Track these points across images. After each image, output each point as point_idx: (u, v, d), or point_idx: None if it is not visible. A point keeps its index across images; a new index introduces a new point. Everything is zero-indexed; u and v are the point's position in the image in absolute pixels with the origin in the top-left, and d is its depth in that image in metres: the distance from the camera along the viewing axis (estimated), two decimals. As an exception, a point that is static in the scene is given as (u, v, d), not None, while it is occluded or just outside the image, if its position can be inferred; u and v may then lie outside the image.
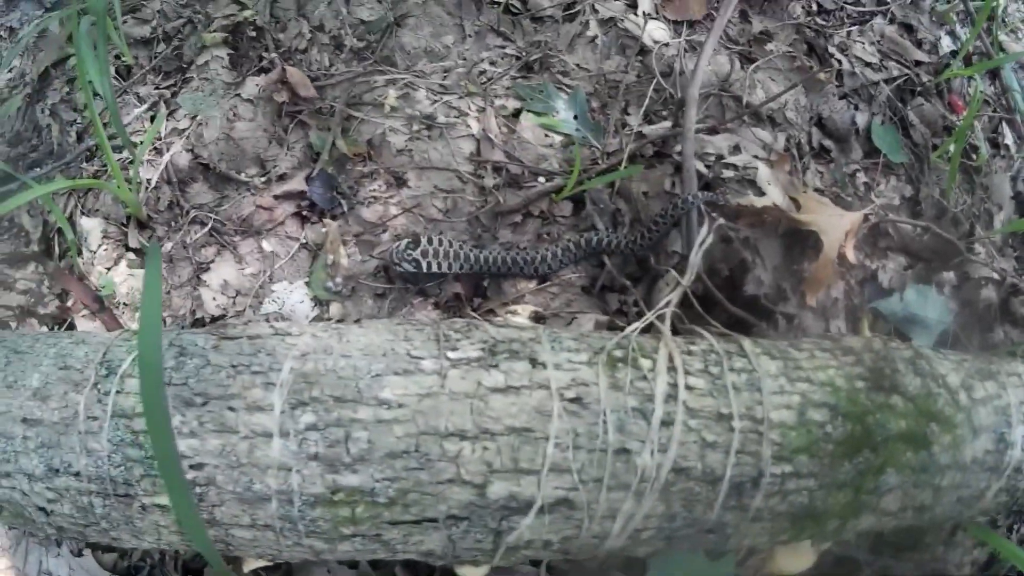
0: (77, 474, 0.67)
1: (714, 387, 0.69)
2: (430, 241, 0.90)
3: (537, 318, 0.91)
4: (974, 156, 1.19)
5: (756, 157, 1.08)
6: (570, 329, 0.89)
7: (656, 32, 1.13)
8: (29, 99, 1.16)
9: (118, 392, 0.68)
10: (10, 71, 1.20)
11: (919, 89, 1.17)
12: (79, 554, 0.96)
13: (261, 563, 0.73)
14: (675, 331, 0.79)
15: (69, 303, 0.98)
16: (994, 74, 1.28)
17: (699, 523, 0.69)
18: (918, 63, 1.20)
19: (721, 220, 0.97)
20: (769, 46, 1.15)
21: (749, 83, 1.10)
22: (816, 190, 1.10)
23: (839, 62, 1.15)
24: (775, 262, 1.03)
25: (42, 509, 0.71)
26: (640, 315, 0.88)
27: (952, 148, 1.12)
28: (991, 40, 1.26)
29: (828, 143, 1.12)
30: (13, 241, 1.05)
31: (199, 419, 0.65)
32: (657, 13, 1.14)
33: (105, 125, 0.99)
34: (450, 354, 0.68)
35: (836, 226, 1.05)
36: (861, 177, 1.12)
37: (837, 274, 1.06)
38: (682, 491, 0.66)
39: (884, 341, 0.83)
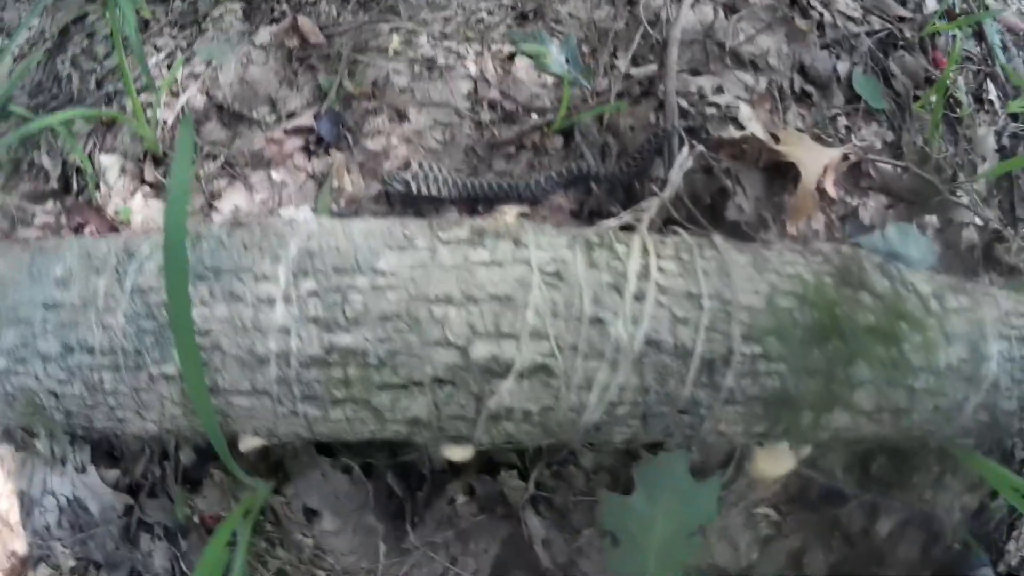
0: (91, 349, 0.73)
1: (685, 270, 0.74)
2: (420, 166, 0.97)
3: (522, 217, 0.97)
4: (957, 109, 1.24)
5: (738, 97, 1.14)
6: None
7: (644, -16, 1.20)
8: (49, 53, 1.25)
9: (137, 272, 0.74)
10: (29, 30, 1.30)
11: (901, 43, 1.23)
12: (83, 470, 1.01)
13: (257, 442, 0.78)
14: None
15: (87, 231, 1.05)
16: (980, 34, 1.34)
17: (672, 399, 0.73)
18: (901, 19, 1.27)
19: (702, 148, 1.03)
20: (752, -2, 1.22)
21: (732, 31, 1.17)
22: (797, 130, 1.16)
23: (821, 15, 1.22)
24: (756, 192, 1.09)
25: (52, 392, 0.76)
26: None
27: (934, 99, 1.17)
28: (977, 2, 1.32)
29: (810, 88, 1.18)
30: (32, 180, 1.13)
31: (210, 290, 0.71)
32: (646, -34, 1.22)
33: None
34: (441, 235, 0.74)
35: (815, 159, 1.10)
36: (842, 121, 1.18)
37: (817, 206, 1.11)
38: (655, 364, 0.71)
39: (853, 246, 0.87)
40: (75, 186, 1.12)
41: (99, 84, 1.19)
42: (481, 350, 0.69)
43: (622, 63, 1.13)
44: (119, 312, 0.73)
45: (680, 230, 0.81)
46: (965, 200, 1.18)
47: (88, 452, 1.02)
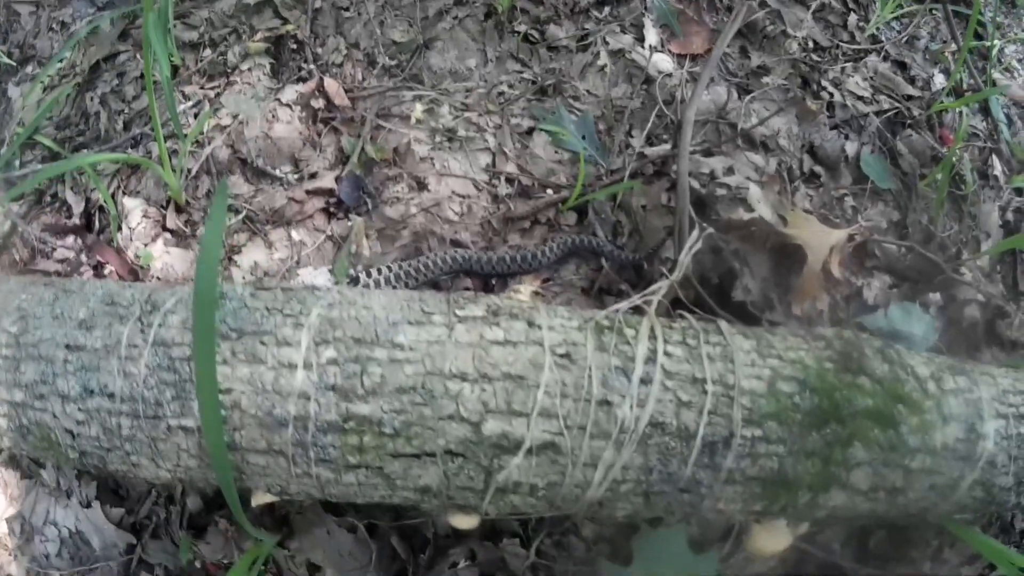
0: (111, 395, 0.79)
1: (690, 355, 0.82)
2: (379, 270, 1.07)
3: (536, 297, 1.05)
4: (962, 186, 1.34)
5: (748, 178, 1.23)
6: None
7: (661, 63, 1.31)
8: (79, 88, 1.34)
9: (160, 325, 0.81)
10: (61, 62, 1.39)
11: (909, 122, 1.34)
12: (87, 505, 1.07)
13: (269, 498, 0.84)
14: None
15: (105, 272, 1.13)
16: (987, 110, 1.45)
17: (674, 479, 0.80)
18: (909, 97, 1.37)
19: (711, 230, 1.12)
20: (765, 79, 1.33)
21: (745, 112, 1.27)
22: (805, 211, 1.25)
23: (831, 95, 1.32)
24: (763, 273, 1.17)
25: (69, 431, 0.82)
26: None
27: (940, 177, 1.27)
28: (984, 78, 1.43)
29: (818, 169, 1.28)
30: (55, 214, 1.22)
31: (232, 350, 0.78)
32: (663, 46, 1.33)
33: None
34: (458, 312, 0.82)
35: (821, 241, 1.19)
36: (849, 201, 1.27)
37: (823, 287, 1.19)
38: (658, 445, 0.78)
39: (855, 332, 0.95)
40: (97, 224, 1.20)
41: (127, 126, 1.28)
42: (493, 426, 0.76)
43: (637, 141, 1.23)
44: (141, 362, 0.80)
45: (687, 315, 0.88)
46: (968, 277, 1.27)
47: (94, 488, 1.07)
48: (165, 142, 1.17)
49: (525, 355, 0.78)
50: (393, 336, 0.79)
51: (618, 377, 0.78)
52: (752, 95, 1.30)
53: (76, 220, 1.17)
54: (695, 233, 1.08)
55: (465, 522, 0.86)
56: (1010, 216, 1.34)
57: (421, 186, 1.16)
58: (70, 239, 1.15)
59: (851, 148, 1.30)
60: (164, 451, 0.81)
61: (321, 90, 1.21)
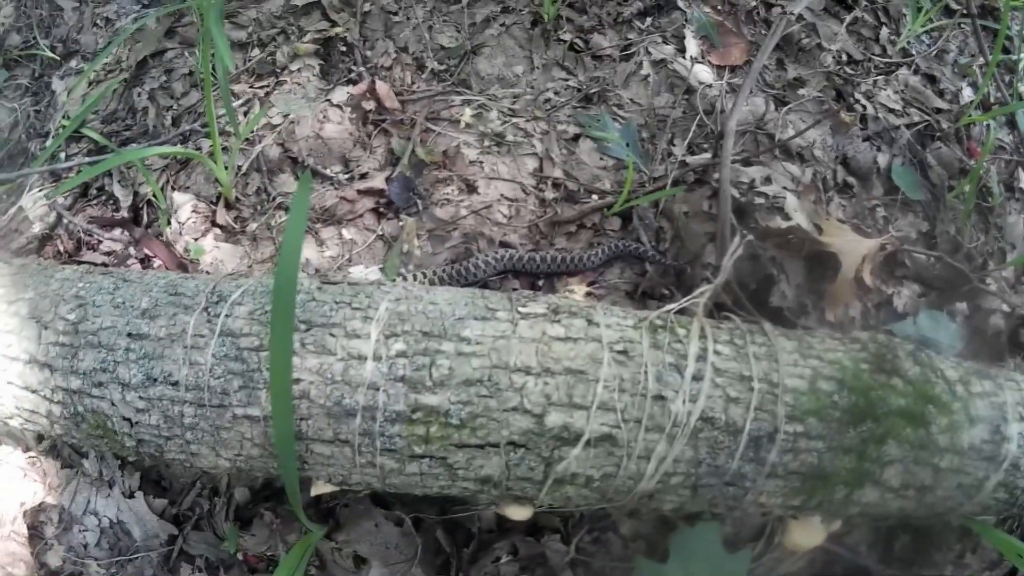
0: (176, 383, 0.83)
1: (738, 354, 0.87)
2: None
3: (591, 296, 1.10)
4: (989, 198, 1.39)
5: (785, 188, 1.28)
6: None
7: (701, 74, 1.36)
8: (126, 83, 1.39)
9: (227, 316, 0.85)
10: (107, 57, 1.44)
11: (938, 134, 1.39)
12: (130, 495, 1.10)
13: (328, 488, 0.89)
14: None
15: (154, 266, 1.18)
16: (1013, 123, 1.50)
17: (721, 472, 0.85)
18: (938, 111, 1.43)
19: (751, 237, 1.17)
20: (801, 91, 1.38)
21: (781, 123, 1.32)
22: (838, 220, 1.30)
23: (864, 107, 1.37)
24: (798, 280, 1.22)
25: (127, 419, 0.86)
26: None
27: (967, 188, 1.32)
28: (1011, 91, 1.48)
29: (851, 180, 1.33)
30: (101, 206, 1.26)
31: (302, 341, 0.82)
32: (703, 58, 1.38)
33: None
34: (520, 309, 0.87)
35: (854, 250, 1.24)
36: (880, 212, 1.32)
37: (855, 295, 1.24)
38: (708, 439, 0.83)
39: (889, 335, 0.99)
40: (145, 218, 1.24)
41: (175, 121, 1.33)
42: (555, 418, 0.81)
43: (679, 150, 1.28)
44: (208, 351, 0.84)
45: (734, 316, 0.93)
46: (994, 287, 1.31)
47: (137, 479, 1.11)
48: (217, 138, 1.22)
49: (585, 350, 0.83)
50: (460, 330, 0.83)
51: (672, 373, 0.83)
52: (788, 107, 1.35)
53: (124, 213, 1.22)
54: (736, 239, 1.13)
55: (519, 513, 0.90)
56: (1037, 227, 1.39)
57: (471, 189, 1.21)
58: (117, 232, 1.20)
59: (883, 160, 1.35)
60: (227, 439, 0.85)
61: (372, 92, 1.26)
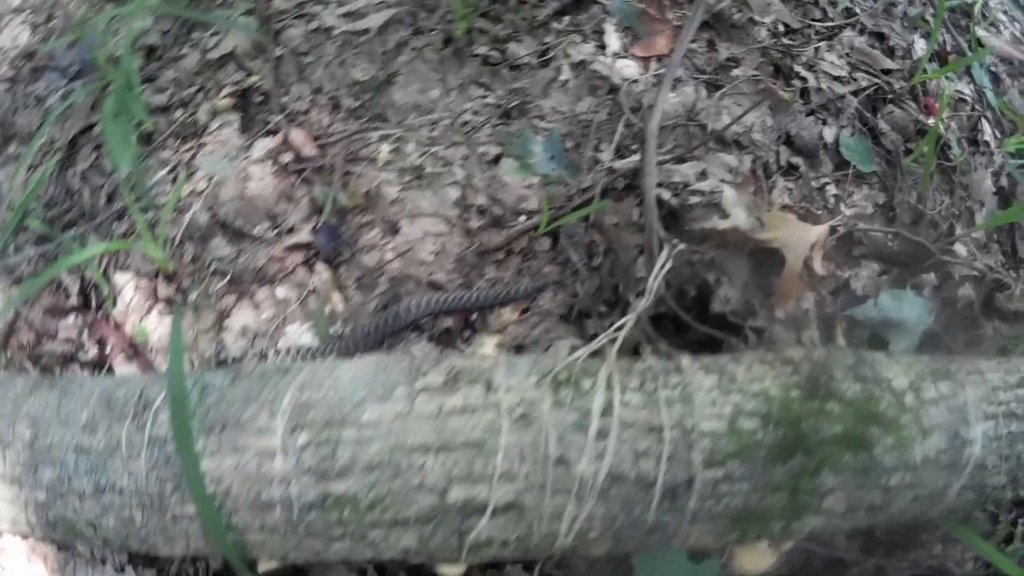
0: (121, 491, 0.89)
1: (648, 401, 0.86)
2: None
3: (501, 347, 1.10)
4: (951, 157, 1.30)
5: (723, 181, 1.23)
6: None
7: (625, 70, 1.30)
8: (61, 164, 1.41)
9: (152, 423, 0.90)
10: (42, 138, 1.46)
11: (890, 96, 1.30)
12: (121, 570, 1.17)
13: (273, 564, 0.94)
14: (635, 351, 0.96)
15: (108, 349, 1.22)
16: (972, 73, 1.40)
17: (639, 523, 0.85)
18: (888, 71, 1.34)
19: (682, 245, 1.13)
20: (735, 71, 1.30)
21: (715, 110, 1.26)
22: (784, 207, 1.25)
23: (805, 80, 1.30)
24: (743, 279, 1.18)
25: (90, 523, 0.93)
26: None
27: (926, 149, 1.24)
28: (968, 37, 1.37)
29: (796, 160, 1.27)
30: (54, 295, 1.31)
31: (219, 442, 0.86)
32: (626, 51, 1.32)
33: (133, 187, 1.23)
34: (418, 382, 0.87)
35: (800, 240, 1.19)
36: (831, 190, 1.26)
37: (806, 286, 1.20)
38: (619, 495, 0.83)
39: (827, 350, 0.96)
40: (94, 301, 1.29)
41: (109, 199, 1.36)
42: (457, 494, 0.82)
43: (606, 155, 1.24)
44: (141, 460, 0.89)
45: (649, 353, 0.92)
46: (964, 252, 1.25)
47: (126, 554, 1.18)
48: (148, 213, 1.24)
49: (484, 420, 0.84)
50: (360, 415, 0.85)
51: (575, 433, 0.83)
52: (722, 91, 1.28)
53: (74, 300, 1.26)
54: (663, 254, 1.10)
55: (452, 570, 0.93)
56: (1004, 181, 1.30)
57: (394, 230, 1.21)
58: (71, 319, 1.25)
59: (829, 133, 1.28)
60: (174, 535, 0.91)
61: (287, 143, 1.25)
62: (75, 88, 1.42)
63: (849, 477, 0.86)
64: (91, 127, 1.42)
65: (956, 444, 0.89)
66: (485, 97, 1.30)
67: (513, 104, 1.30)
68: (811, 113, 1.29)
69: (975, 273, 1.25)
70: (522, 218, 1.22)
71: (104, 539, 0.96)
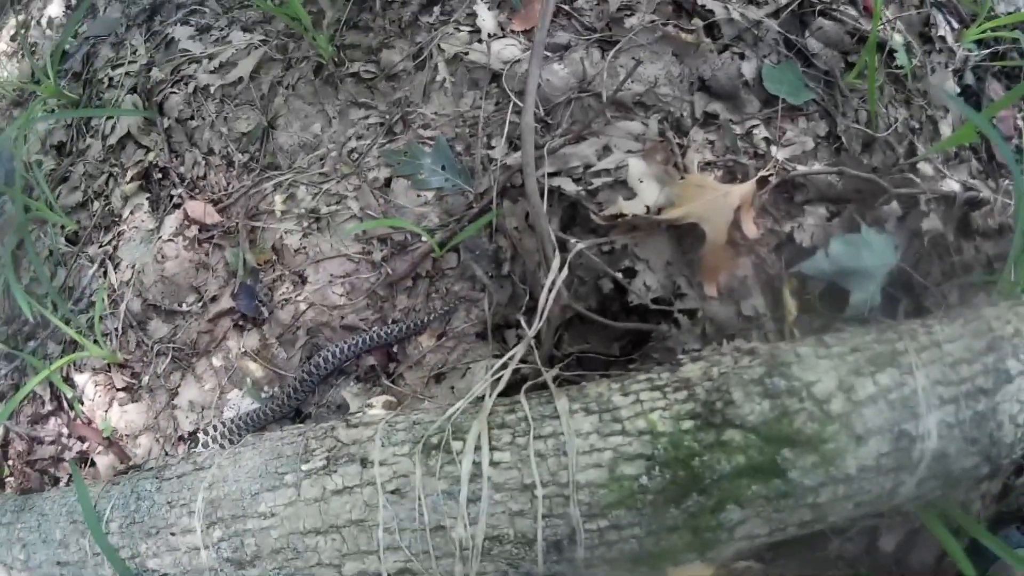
0: None
1: (520, 459, 0.86)
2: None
3: (390, 406, 1.12)
4: (901, 63, 1.14)
5: (629, 152, 1.15)
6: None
7: (504, 51, 1.23)
8: (7, 283, 1.52)
9: (107, 533, 1.02)
10: None
11: (818, 8, 1.14)
12: None
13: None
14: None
15: (86, 445, 1.36)
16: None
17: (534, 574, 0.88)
18: (811, -24, 1.17)
19: (583, 244, 1.09)
20: (630, 21, 1.19)
21: (611, 73, 1.16)
22: (706, 165, 1.15)
23: (712, 12, 1.16)
24: (664, 259, 1.12)
25: None
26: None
27: (867, 60, 1.09)
28: None
29: (714, 107, 1.15)
30: (32, 403, 1.45)
31: (156, 544, 0.98)
32: (503, 30, 1.23)
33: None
34: (303, 467, 0.93)
35: (719, 207, 1.10)
36: (760, 132, 1.15)
37: (736, 254, 1.12)
38: (503, 553, 0.86)
39: (734, 359, 0.90)
40: (65, 403, 1.42)
41: (55, 305, 1.45)
42: (351, 567, 0.89)
43: (498, 151, 1.19)
44: (106, 565, 1.03)
45: (524, 401, 0.91)
46: (930, 170, 1.11)
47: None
48: (88, 313, 1.34)
49: (362, 498, 0.88)
50: (258, 506, 0.92)
51: (447, 501, 0.86)
52: (617, 47, 1.18)
53: (48, 406, 1.40)
54: (555, 265, 1.06)
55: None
56: (969, 78, 1.12)
57: (302, 280, 1.24)
58: (51, 423, 1.39)
59: (749, 68, 1.15)
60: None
61: (188, 217, 1.30)
62: (4, 200, 1.52)
63: (763, 504, 0.82)
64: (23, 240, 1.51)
65: (902, 444, 0.81)
66: (367, 117, 1.28)
67: (396, 118, 1.26)
68: (724, 49, 1.15)
69: (945, 194, 1.11)
70: (424, 238, 1.21)
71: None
